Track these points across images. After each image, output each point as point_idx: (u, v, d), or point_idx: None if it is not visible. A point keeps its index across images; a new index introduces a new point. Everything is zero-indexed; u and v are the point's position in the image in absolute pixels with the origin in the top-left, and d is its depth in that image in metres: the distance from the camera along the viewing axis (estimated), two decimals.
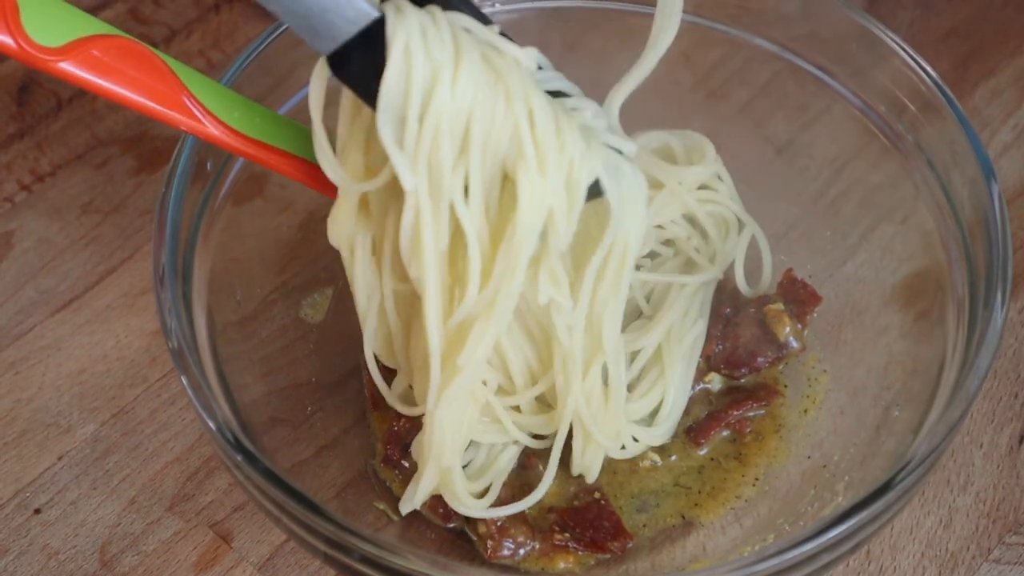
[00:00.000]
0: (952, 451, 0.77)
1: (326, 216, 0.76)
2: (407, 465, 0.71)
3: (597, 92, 0.82)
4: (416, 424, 0.71)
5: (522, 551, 0.69)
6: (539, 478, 0.69)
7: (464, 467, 0.69)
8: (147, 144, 0.91)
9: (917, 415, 0.66)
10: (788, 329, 0.75)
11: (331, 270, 0.78)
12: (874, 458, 0.68)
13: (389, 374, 0.70)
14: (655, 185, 0.77)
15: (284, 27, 0.74)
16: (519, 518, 0.69)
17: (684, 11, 0.79)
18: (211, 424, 0.60)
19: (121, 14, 0.98)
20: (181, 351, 0.62)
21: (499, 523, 0.69)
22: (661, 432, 0.73)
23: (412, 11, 0.56)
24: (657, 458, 0.73)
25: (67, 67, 0.60)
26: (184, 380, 0.62)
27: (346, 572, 0.60)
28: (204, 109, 0.65)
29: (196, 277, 0.68)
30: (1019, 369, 0.80)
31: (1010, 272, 0.65)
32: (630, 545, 0.69)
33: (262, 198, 0.74)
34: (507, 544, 0.69)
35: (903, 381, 0.71)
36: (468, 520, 0.69)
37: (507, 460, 0.71)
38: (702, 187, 0.78)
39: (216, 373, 0.65)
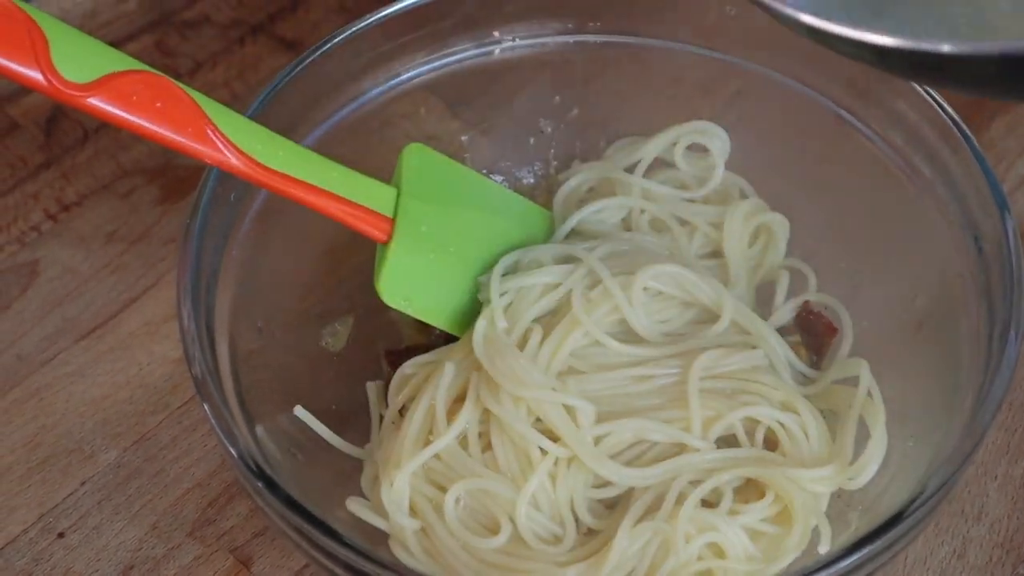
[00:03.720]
0: (966, 482, 0.77)
1: (347, 245, 0.78)
2: None
3: (613, 125, 0.84)
4: None
5: None
6: None
7: None
8: (171, 174, 0.93)
9: (931, 446, 0.67)
10: (804, 361, 0.76)
11: (351, 299, 0.79)
12: (888, 488, 0.69)
13: None
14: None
15: (308, 60, 0.75)
16: None
17: (701, 44, 0.81)
18: (233, 451, 0.61)
19: (148, 46, 1.00)
20: (204, 379, 0.63)
21: None
22: None
23: None
24: None
25: (96, 103, 0.61)
26: (206, 408, 0.63)
27: None
28: (228, 142, 0.66)
29: (218, 306, 0.69)
30: None
31: None
32: None
33: (284, 228, 0.75)
34: None
35: (917, 412, 0.71)
36: None
37: None
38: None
39: (238, 401, 0.66)
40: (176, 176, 0.93)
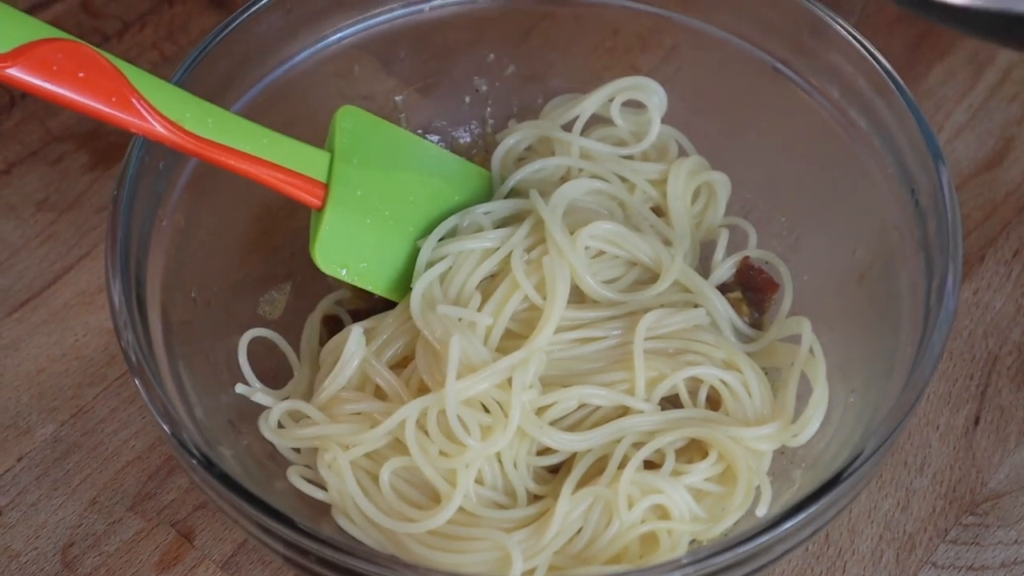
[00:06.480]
0: (909, 433, 0.77)
1: (282, 210, 0.77)
2: None
3: (549, 81, 0.83)
4: None
5: None
6: None
7: None
8: (102, 140, 0.91)
9: (872, 400, 0.67)
10: (746, 318, 0.76)
11: (288, 265, 0.78)
12: (831, 443, 0.69)
13: None
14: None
15: (236, 21, 0.74)
16: None
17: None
18: (166, 428, 0.60)
19: (73, 7, 0.97)
20: (135, 354, 0.62)
21: None
22: None
23: None
24: None
25: (15, 74, 0.60)
26: (138, 383, 0.62)
27: (306, 572, 0.60)
28: (154, 111, 0.64)
29: (150, 277, 0.67)
30: (974, 350, 0.81)
31: (960, 255, 0.65)
32: None
33: (216, 195, 0.74)
34: None
35: (858, 366, 0.71)
36: None
37: None
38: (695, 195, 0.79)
39: (171, 373, 0.65)
40: (107, 142, 0.91)
